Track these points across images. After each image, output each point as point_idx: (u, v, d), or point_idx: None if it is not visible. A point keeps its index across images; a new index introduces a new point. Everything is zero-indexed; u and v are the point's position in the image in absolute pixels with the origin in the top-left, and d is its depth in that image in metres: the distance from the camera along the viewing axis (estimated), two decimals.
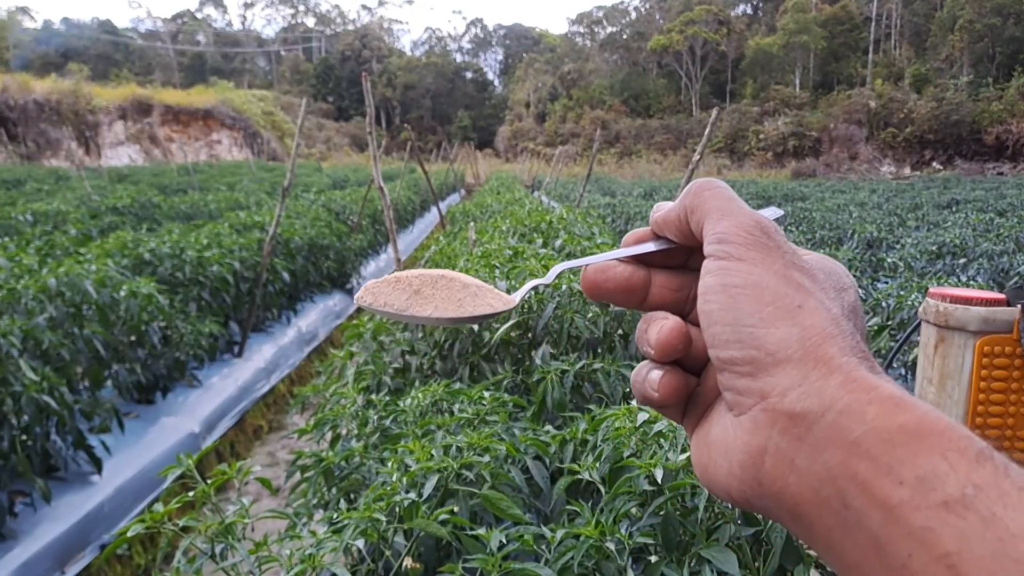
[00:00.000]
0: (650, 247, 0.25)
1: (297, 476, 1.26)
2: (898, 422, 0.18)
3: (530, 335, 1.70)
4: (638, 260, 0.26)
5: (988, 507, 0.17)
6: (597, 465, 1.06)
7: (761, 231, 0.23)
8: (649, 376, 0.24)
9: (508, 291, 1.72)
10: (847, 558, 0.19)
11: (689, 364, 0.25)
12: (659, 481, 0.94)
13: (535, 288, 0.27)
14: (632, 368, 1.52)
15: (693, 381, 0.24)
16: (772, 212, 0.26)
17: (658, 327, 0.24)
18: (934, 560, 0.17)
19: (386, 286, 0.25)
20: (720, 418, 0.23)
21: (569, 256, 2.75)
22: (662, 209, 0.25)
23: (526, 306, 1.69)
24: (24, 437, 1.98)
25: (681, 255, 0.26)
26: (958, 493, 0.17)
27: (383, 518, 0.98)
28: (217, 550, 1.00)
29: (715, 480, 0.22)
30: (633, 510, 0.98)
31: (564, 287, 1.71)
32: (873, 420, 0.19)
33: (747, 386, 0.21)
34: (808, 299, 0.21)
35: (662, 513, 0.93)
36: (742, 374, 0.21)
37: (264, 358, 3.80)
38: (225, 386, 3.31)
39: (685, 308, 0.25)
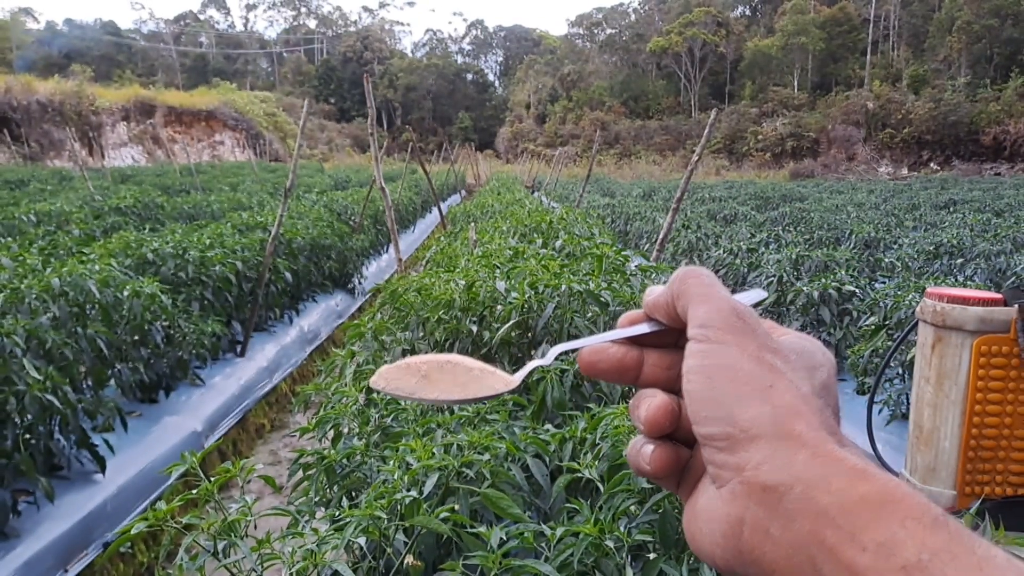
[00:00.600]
0: (643, 329, 0.27)
1: (299, 474, 1.27)
2: (860, 492, 0.20)
3: (530, 335, 1.71)
4: (632, 341, 0.27)
5: (942, 570, 0.18)
6: (596, 463, 1.07)
7: (737, 316, 0.24)
8: (642, 450, 0.26)
9: (508, 291, 1.73)
10: None
11: (681, 437, 0.26)
12: None
13: (535, 369, 0.29)
14: None
15: (686, 453, 0.26)
16: (757, 295, 0.28)
17: (647, 404, 0.26)
18: None
19: (397, 372, 0.28)
20: (705, 489, 0.24)
21: (569, 256, 2.76)
22: (653, 294, 0.27)
23: (526, 306, 1.70)
24: (27, 436, 1.99)
25: (672, 336, 0.27)
26: (915, 558, 0.19)
27: (384, 516, 0.99)
28: (220, 547, 1.01)
29: (702, 548, 0.24)
30: (631, 508, 0.99)
31: (564, 287, 1.73)
32: (838, 491, 0.20)
33: (725, 460, 0.23)
34: (779, 379, 0.23)
35: (660, 511, 0.94)
36: (720, 449, 0.23)
37: (266, 357, 3.81)
38: (228, 385, 3.32)
39: (676, 385, 0.26)
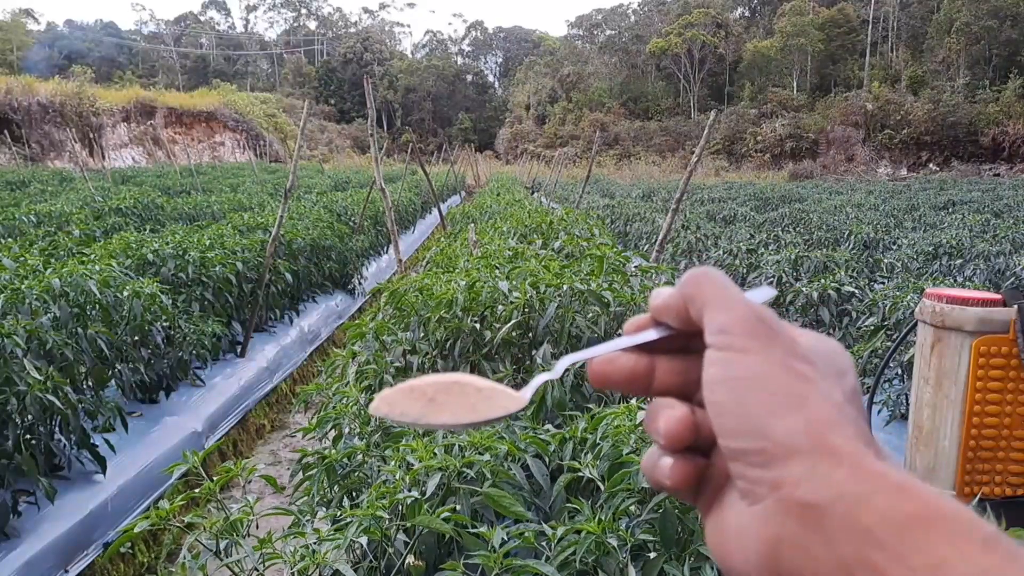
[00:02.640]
0: (652, 335, 0.26)
1: (300, 474, 1.27)
2: (906, 510, 0.19)
3: (531, 334, 1.71)
4: (640, 347, 0.26)
5: None
6: (596, 463, 1.07)
7: (759, 321, 0.23)
8: (660, 463, 0.25)
9: (510, 291, 1.73)
10: None
11: (698, 446, 0.25)
12: None
13: (544, 383, 0.27)
14: None
15: (703, 463, 0.25)
16: (765, 292, 0.27)
17: (665, 417, 0.24)
18: None
19: (400, 396, 0.26)
20: (734, 506, 0.23)
21: (569, 256, 2.77)
22: (661, 296, 0.26)
23: (527, 306, 1.70)
24: (28, 436, 1.99)
25: (681, 339, 0.26)
26: None
27: (386, 516, 1.00)
28: (222, 547, 1.01)
29: (733, 567, 0.23)
30: (632, 507, 0.99)
31: (565, 287, 1.73)
32: (882, 509, 0.20)
33: (759, 476, 0.22)
34: (811, 389, 0.22)
35: (661, 510, 0.95)
36: (754, 464, 0.22)
37: (267, 358, 3.81)
38: (228, 385, 3.32)
39: (689, 390, 0.25)
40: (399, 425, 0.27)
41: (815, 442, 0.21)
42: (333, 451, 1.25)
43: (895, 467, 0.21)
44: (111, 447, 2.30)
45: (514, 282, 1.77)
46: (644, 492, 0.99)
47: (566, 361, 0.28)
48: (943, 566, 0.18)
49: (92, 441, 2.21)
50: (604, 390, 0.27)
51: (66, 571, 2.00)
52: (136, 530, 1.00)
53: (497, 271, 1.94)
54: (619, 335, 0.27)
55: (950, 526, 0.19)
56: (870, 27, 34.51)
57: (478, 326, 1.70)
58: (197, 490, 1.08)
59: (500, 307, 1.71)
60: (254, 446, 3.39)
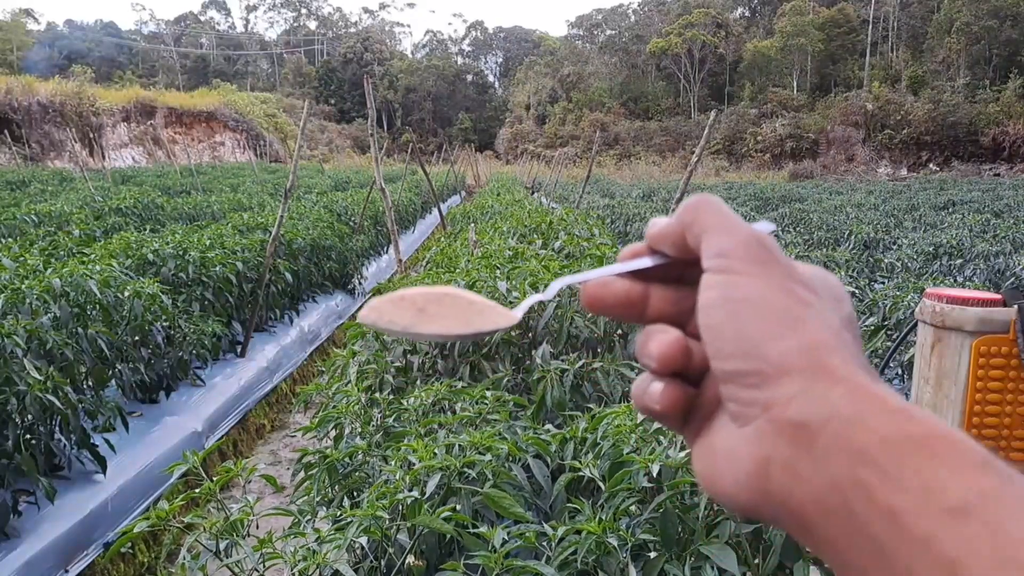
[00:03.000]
0: (647, 262, 0.26)
1: (301, 473, 1.27)
2: (904, 432, 0.19)
3: (530, 334, 1.71)
4: (635, 275, 0.26)
5: (992, 514, 0.17)
6: (597, 463, 1.07)
7: (760, 245, 0.23)
8: (650, 388, 0.24)
9: (509, 291, 1.73)
10: (852, 565, 0.19)
11: (688, 375, 0.25)
12: (657, 476, 0.95)
13: (535, 303, 0.27)
14: (632, 367, 1.53)
15: (692, 392, 0.25)
16: (765, 226, 0.26)
17: (658, 340, 0.24)
18: (937, 566, 0.17)
19: (390, 304, 0.25)
20: (723, 429, 0.23)
21: (569, 256, 2.76)
22: (658, 224, 0.26)
23: None
24: (28, 436, 2.00)
25: (676, 269, 0.26)
26: (962, 501, 0.17)
27: (386, 515, 0.99)
28: (222, 547, 1.01)
29: (721, 490, 0.22)
30: (633, 507, 0.99)
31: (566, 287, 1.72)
32: (879, 429, 0.19)
33: (751, 397, 0.21)
34: (809, 311, 0.22)
35: (661, 510, 0.94)
36: (746, 385, 0.21)
37: (267, 358, 3.81)
38: (228, 385, 3.32)
39: (682, 320, 0.25)
40: (388, 334, 0.26)
41: (811, 363, 0.21)
42: (334, 450, 1.25)
43: (892, 392, 0.21)
44: (111, 447, 2.30)
45: (513, 282, 1.77)
46: (645, 492, 0.99)
47: (559, 283, 0.27)
48: (937, 487, 0.18)
49: (92, 441, 2.21)
50: (598, 314, 0.27)
51: (66, 571, 2.00)
52: (136, 530, 1.00)
53: (497, 271, 1.94)
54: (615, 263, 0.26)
55: (947, 449, 0.18)
56: (870, 27, 34.51)
57: None
58: (197, 490, 1.08)
59: None
60: (254, 446, 3.39)
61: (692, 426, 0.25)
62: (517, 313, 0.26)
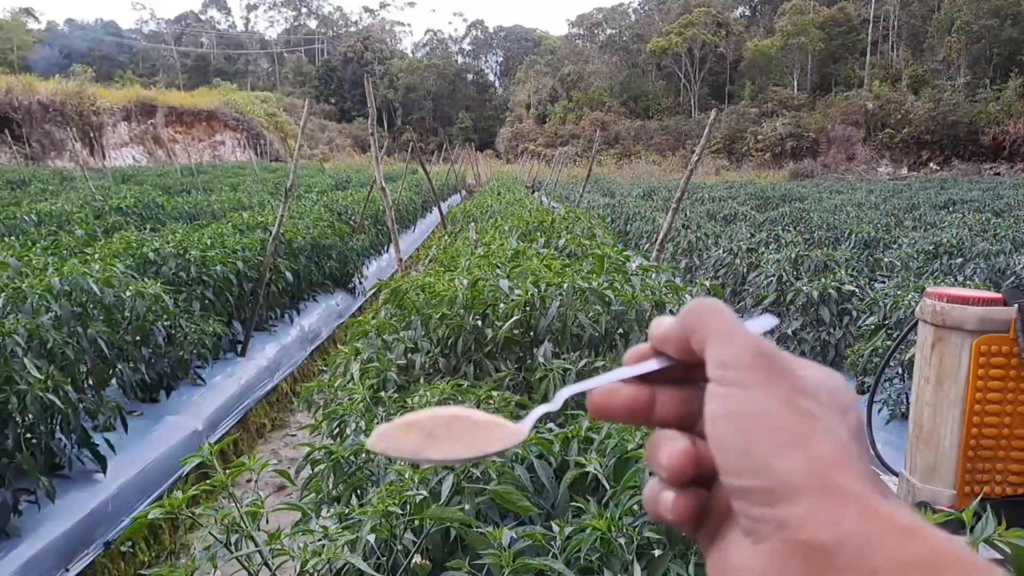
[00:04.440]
0: (653, 365, 0.26)
1: (307, 471, 1.27)
2: (914, 553, 0.19)
3: (533, 333, 1.71)
4: (640, 378, 0.26)
5: None
6: (602, 460, 1.07)
7: (761, 355, 0.23)
8: (662, 497, 0.24)
9: (511, 289, 1.73)
10: None
11: (700, 478, 0.25)
12: None
13: (543, 415, 0.27)
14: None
15: (704, 495, 0.25)
16: (766, 322, 0.27)
17: (668, 451, 0.24)
18: None
19: (398, 431, 0.26)
20: (738, 544, 0.23)
21: (570, 256, 2.77)
22: (661, 327, 0.26)
23: (529, 304, 1.70)
24: (29, 435, 2.00)
25: (682, 369, 0.26)
26: None
27: (398, 510, 1.00)
28: (232, 540, 1.02)
29: None
30: (637, 506, 0.99)
31: (567, 286, 1.73)
32: (888, 550, 0.20)
33: (763, 515, 0.21)
34: (815, 426, 0.22)
35: None
36: (757, 503, 0.22)
37: (267, 357, 3.81)
38: (228, 385, 3.32)
39: (691, 421, 0.25)
40: (396, 459, 0.27)
41: (820, 481, 0.21)
42: (340, 447, 1.25)
43: (901, 507, 0.21)
44: (111, 446, 2.30)
45: (515, 280, 1.77)
46: None
47: (566, 392, 0.28)
48: None
49: (92, 440, 2.21)
50: (604, 421, 0.27)
51: (67, 570, 2.00)
52: (150, 517, 0.99)
53: (499, 269, 1.94)
54: (620, 366, 0.27)
55: (955, 570, 0.19)
56: (871, 26, 34.48)
57: (480, 324, 1.70)
58: (207, 482, 1.08)
59: (502, 305, 1.71)
60: (255, 445, 3.39)
61: (706, 531, 0.25)
62: (524, 427, 0.26)
